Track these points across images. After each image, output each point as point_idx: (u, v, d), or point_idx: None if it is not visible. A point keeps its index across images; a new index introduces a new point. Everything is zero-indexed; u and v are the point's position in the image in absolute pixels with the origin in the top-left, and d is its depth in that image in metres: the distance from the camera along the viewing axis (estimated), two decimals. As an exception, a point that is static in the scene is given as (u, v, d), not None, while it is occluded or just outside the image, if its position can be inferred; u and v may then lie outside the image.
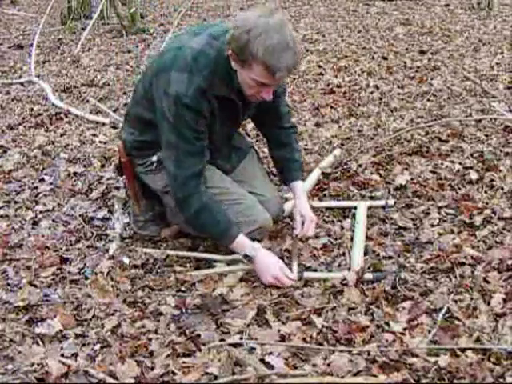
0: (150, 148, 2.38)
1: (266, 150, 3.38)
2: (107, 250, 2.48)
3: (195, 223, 2.31)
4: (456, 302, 1.95)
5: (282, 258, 2.35)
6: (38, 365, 1.76)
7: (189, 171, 2.20)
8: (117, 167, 2.65)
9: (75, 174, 3.30)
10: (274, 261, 2.21)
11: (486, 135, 3.39)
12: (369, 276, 2.14)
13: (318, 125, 3.84)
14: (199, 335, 1.88)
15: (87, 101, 4.74)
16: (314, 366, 1.72)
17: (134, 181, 2.54)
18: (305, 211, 2.40)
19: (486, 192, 2.74)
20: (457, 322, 1.85)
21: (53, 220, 2.80)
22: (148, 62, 2.49)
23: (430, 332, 1.82)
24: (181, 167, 2.20)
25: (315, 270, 2.25)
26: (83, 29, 7.59)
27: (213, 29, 2.23)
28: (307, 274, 2.20)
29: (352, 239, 2.42)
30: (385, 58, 5.39)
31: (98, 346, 1.86)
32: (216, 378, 1.68)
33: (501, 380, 1.61)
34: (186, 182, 2.21)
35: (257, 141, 3.56)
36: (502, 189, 2.74)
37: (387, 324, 1.88)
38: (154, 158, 2.39)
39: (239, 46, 2.00)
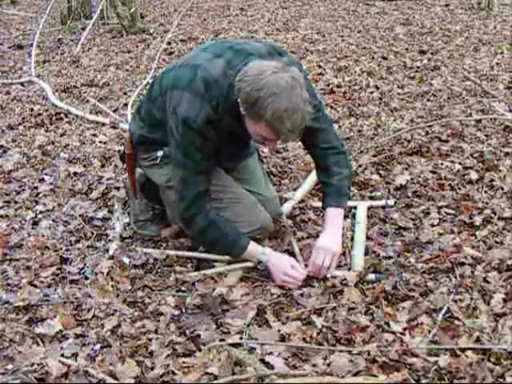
0: (157, 144, 2.39)
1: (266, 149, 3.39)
2: (107, 250, 2.48)
3: (203, 240, 2.34)
4: (456, 301, 1.95)
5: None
6: (38, 365, 1.75)
7: (194, 190, 2.22)
8: (121, 156, 2.68)
9: (75, 174, 3.30)
10: (284, 259, 2.22)
11: (486, 135, 3.39)
12: (371, 277, 2.14)
13: (318, 125, 3.83)
14: (199, 335, 1.88)
15: (87, 101, 4.74)
16: (314, 366, 1.72)
17: (134, 174, 2.58)
18: (324, 251, 2.19)
19: (486, 192, 2.74)
20: (457, 322, 1.85)
21: (53, 220, 2.80)
22: (170, 65, 2.48)
23: (430, 332, 1.82)
24: (187, 186, 2.23)
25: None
26: (83, 29, 7.60)
27: (233, 54, 2.17)
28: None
29: (352, 239, 2.42)
30: (385, 58, 5.39)
31: (98, 346, 1.86)
32: (216, 378, 1.68)
33: (501, 380, 1.60)
34: (191, 203, 2.23)
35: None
36: (502, 189, 2.74)
37: (387, 324, 1.88)
38: (159, 153, 2.40)
39: (248, 102, 1.99)
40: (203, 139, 2.15)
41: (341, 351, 1.76)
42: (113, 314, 2.02)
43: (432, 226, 2.50)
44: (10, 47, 7.25)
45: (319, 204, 2.72)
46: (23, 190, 3.15)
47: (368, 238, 2.44)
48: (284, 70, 1.98)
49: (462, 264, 2.17)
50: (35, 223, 2.78)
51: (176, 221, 2.50)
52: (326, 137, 2.33)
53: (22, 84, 5.44)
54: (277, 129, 1.99)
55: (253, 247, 2.24)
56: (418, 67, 5.01)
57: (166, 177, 2.40)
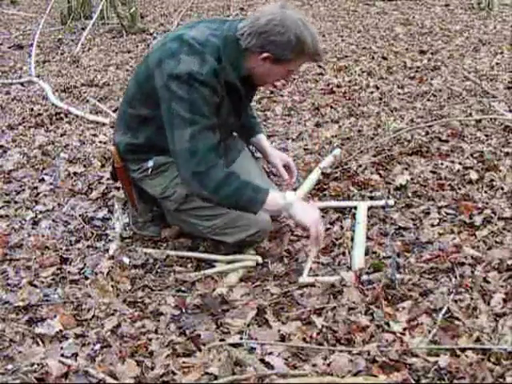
0: (145, 152, 2.36)
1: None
2: (107, 250, 2.48)
3: (220, 195, 2.17)
4: (456, 301, 1.95)
5: (282, 258, 2.36)
6: (38, 365, 1.75)
7: (207, 144, 2.15)
8: (111, 173, 2.62)
9: (75, 173, 3.30)
10: (310, 205, 2.35)
11: (486, 135, 3.39)
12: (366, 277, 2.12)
13: (318, 125, 3.84)
14: (199, 335, 1.88)
15: (87, 101, 4.74)
16: (314, 365, 1.72)
17: (131, 186, 2.52)
18: (284, 156, 2.60)
19: (486, 192, 2.74)
20: (457, 322, 1.85)
21: (53, 220, 2.80)
22: (141, 61, 2.47)
23: (430, 332, 1.82)
24: (198, 141, 2.13)
25: (316, 275, 2.22)
26: (83, 29, 7.60)
27: (207, 22, 2.27)
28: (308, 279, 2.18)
29: (352, 239, 2.42)
30: (385, 58, 5.39)
31: (98, 346, 1.86)
32: (216, 378, 1.68)
33: (501, 380, 1.60)
34: (205, 155, 2.14)
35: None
36: (502, 189, 2.74)
37: (387, 324, 1.88)
38: (150, 164, 2.37)
39: (288, 48, 2.11)
40: (210, 91, 2.12)
41: (341, 351, 1.76)
42: (113, 314, 2.02)
43: (432, 225, 2.50)
44: (9, 47, 7.25)
45: (319, 204, 2.73)
46: (23, 189, 3.15)
47: (368, 238, 2.44)
48: (290, 9, 2.16)
49: (462, 264, 2.17)
50: (35, 223, 2.78)
51: (176, 223, 2.50)
52: (251, 108, 2.66)
53: (22, 84, 5.44)
54: (318, 53, 2.19)
55: (274, 193, 2.21)
56: (418, 67, 5.01)
57: (160, 187, 2.38)
